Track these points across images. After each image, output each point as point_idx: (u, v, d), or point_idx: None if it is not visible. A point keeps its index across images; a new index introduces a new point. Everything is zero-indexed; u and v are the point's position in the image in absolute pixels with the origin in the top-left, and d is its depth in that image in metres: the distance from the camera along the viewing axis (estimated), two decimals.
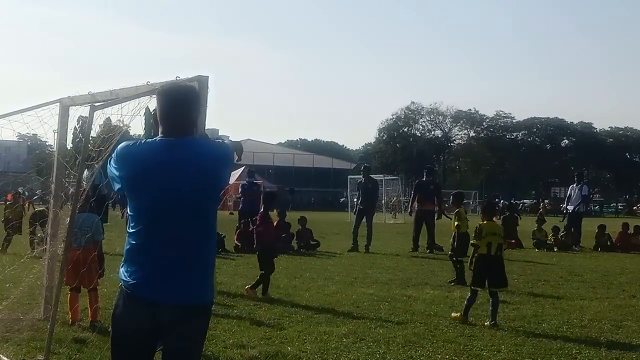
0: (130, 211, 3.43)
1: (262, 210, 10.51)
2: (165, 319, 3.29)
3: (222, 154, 3.49)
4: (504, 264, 8.60)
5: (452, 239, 11.93)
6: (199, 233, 3.38)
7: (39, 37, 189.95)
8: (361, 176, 19.82)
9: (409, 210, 20.90)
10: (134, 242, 3.39)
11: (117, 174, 3.42)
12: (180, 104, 3.45)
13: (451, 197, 12.96)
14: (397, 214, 42.49)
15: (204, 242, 3.41)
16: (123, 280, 3.39)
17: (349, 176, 46.51)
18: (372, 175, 20.66)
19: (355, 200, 19.76)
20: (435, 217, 18.52)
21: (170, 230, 3.32)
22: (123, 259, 3.44)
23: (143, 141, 3.46)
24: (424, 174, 19.55)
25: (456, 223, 11.70)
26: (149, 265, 3.33)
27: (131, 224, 3.42)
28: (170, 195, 3.31)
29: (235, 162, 3.88)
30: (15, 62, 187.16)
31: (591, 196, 22.56)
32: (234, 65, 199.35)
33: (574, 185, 22.00)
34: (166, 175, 3.31)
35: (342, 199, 67.56)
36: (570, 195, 21.82)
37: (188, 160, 3.34)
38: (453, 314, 8.53)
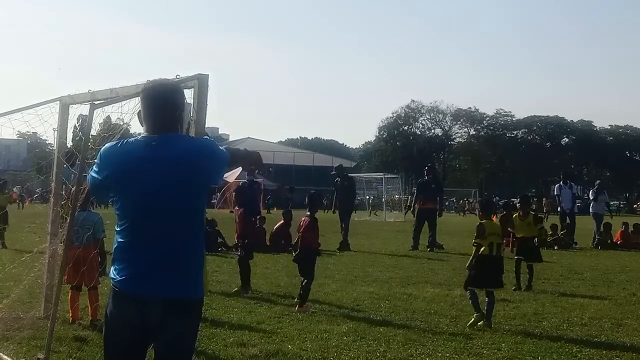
0: (116, 210, 3.44)
1: (308, 214, 9.38)
2: (154, 317, 3.28)
3: (206, 150, 3.45)
4: (503, 264, 8.53)
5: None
6: (185, 229, 3.38)
7: (38, 36, 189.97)
8: (337, 175, 19.56)
9: (412, 209, 20.75)
10: (121, 240, 3.39)
11: (103, 174, 3.42)
12: (163, 102, 3.44)
13: (519, 200, 12.93)
14: (399, 212, 42.59)
15: (191, 238, 3.41)
16: (112, 278, 3.39)
17: (349, 175, 46.49)
18: (351, 174, 20.75)
19: (334, 199, 19.37)
20: (438, 215, 18.61)
21: (156, 227, 3.32)
22: (113, 258, 3.44)
23: (125, 141, 3.47)
24: (425, 172, 19.57)
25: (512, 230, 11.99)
26: (136, 262, 3.33)
27: (119, 223, 3.43)
28: (155, 192, 3.31)
29: (257, 173, 3.82)
30: (15, 61, 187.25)
31: (595, 195, 22.39)
32: (234, 63, 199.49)
33: (562, 184, 22.07)
34: (149, 173, 3.31)
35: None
36: (560, 194, 21.85)
37: (171, 156, 3.34)
38: (469, 324, 8.07)
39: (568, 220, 21.37)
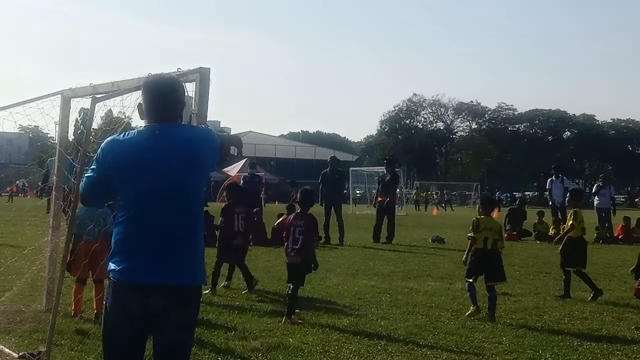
0: (119, 201, 3.43)
1: (300, 212, 8.41)
2: (157, 305, 3.29)
3: (207, 138, 3.52)
4: (501, 258, 8.55)
5: (561, 244, 10.37)
6: (187, 217, 3.40)
7: (39, 29, 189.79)
8: (328, 168, 19.38)
9: (374, 202, 20.95)
10: (123, 231, 3.40)
11: (104, 168, 3.40)
12: (165, 96, 3.49)
13: (568, 194, 11.12)
14: (401, 206, 42.59)
15: (192, 225, 3.44)
16: (112, 270, 3.38)
17: (351, 168, 46.55)
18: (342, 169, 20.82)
19: (322, 191, 19.12)
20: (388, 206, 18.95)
21: (159, 215, 3.34)
22: (111, 251, 3.43)
23: (127, 133, 3.50)
24: (384, 165, 19.97)
25: (570, 222, 10.18)
26: (138, 251, 3.34)
27: (120, 214, 3.43)
28: (159, 181, 3.34)
29: (235, 155, 3.88)
30: (16, 55, 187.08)
31: (598, 189, 22.40)
32: (235, 57, 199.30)
33: (553, 178, 21.99)
34: (154, 162, 3.34)
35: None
36: (551, 189, 21.79)
37: (174, 145, 3.38)
38: (467, 314, 8.25)
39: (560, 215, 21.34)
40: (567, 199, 11.07)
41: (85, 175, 3.53)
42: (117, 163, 3.38)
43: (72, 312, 7.55)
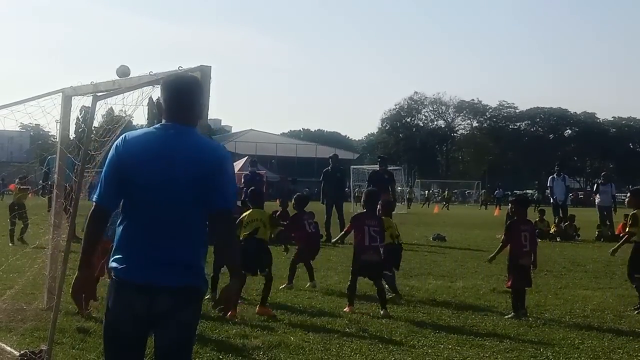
0: (125, 198, 3.41)
1: (368, 212, 8.71)
2: (162, 305, 3.28)
3: (223, 156, 3.46)
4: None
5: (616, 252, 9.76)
6: (192, 218, 3.39)
7: (39, 29, 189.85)
8: (329, 166, 19.22)
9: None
10: (127, 230, 3.38)
11: (116, 164, 3.37)
12: (187, 96, 3.48)
13: (628, 195, 9.94)
14: (400, 204, 42.59)
15: (196, 226, 3.42)
16: (115, 269, 3.36)
17: (352, 166, 46.56)
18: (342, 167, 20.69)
19: (323, 189, 18.95)
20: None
21: (164, 215, 3.33)
22: (114, 249, 3.40)
23: (145, 130, 3.50)
24: (378, 164, 19.78)
25: (628, 229, 9.38)
26: (142, 250, 3.32)
27: (124, 212, 3.42)
28: (165, 180, 3.32)
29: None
30: (16, 53, 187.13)
31: (597, 187, 22.28)
32: (236, 55, 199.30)
33: (555, 176, 21.91)
34: (162, 160, 3.33)
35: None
36: (552, 187, 21.71)
37: (185, 146, 3.37)
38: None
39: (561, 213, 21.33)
40: (626, 200, 9.86)
41: (99, 182, 3.46)
42: (126, 159, 3.36)
43: (77, 310, 7.49)
